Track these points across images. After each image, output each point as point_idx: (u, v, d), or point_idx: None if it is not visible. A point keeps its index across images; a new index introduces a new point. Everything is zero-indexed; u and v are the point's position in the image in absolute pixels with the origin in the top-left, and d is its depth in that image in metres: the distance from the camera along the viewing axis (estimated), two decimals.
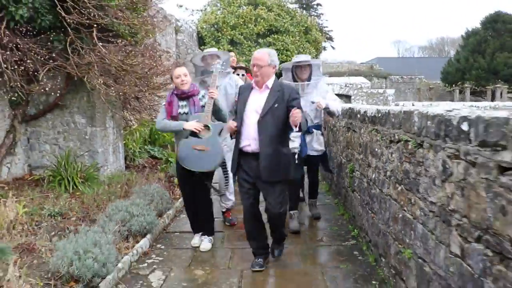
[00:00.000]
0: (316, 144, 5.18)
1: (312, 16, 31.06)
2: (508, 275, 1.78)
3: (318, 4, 36.45)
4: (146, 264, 4.05)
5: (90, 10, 5.55)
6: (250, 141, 3.83)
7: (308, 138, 5.11)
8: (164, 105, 4.45)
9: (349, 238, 4.67)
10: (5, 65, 5.38)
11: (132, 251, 4.08)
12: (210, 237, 4.66)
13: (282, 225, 4.11)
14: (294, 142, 4.43)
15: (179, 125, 4.18)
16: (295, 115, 3.49)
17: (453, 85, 28.48)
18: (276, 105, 3.77)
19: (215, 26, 18.67)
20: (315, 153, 5.19)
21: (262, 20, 18.98)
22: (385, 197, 3.59)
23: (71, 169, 6.27)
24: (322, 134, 5.34)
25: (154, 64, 6.85)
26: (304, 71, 5.04)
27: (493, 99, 25.71)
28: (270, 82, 3.89)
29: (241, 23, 18.75)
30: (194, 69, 5.47)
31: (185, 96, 4.31)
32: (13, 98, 5.87)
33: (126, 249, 4.11)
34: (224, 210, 5.49)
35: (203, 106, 4.27)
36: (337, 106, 5.06)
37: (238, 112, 4.01)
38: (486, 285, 1.94)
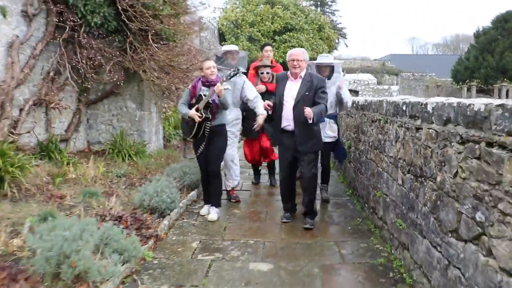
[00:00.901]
0: (329, 131, 5.82)
1: (326, 14, 32.44)
2: (418, 186, 3.35)
3: (332, 1, 37.78)
4: (196, 207, 5.68)
5: (148, 18, 7.17)
6: (289, 121, 4.88)
7: (321, 125, 5.54)
8: (189, 88, 5.28)
9: (345, 196, 6.25)
10: (83, 60, 7.03)
11: (187, 197, 5.71)
12: (217, 209, 5.34)
13: (313, 189, 5.01)
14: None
15: (186, 113, 5.05)
16: (306, 113, 4.56)
17: (460, 83, 29.71)
18: (307, 93, 4.79)
19: (235, 23, 20.22)
20: (328, 140, 5.77)
21: (278, 18, 20.49)
22: (368, 160, 5.17)
23: (125, 144, 7.91)
24: (336, 123, 6.00)
25: (192, 61, 8.44)
26: (326, 70, 5.82)
27: (499, 97, 26.89)
28: (302, 73, 4.93)
29: (259, 20, 20.29)
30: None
31: (208, 83, 5.09)
32: (84, 86, 7.51)
33: (181, 197, 5.71)
34: (229, 188, 6.21)
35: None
36: (349, 96, 5.79)
37: (277, 97, 5.04)
38: (410, 195, 3.52)
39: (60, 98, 7.32)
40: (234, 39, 19.67)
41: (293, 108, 4.81)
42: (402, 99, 3.88)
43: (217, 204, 5.35)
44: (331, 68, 5.85)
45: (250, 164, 7.27)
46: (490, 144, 2.21)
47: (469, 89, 29.15)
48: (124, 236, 3.66)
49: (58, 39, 7.08)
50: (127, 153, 7.71)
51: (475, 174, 2.36)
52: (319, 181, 5.71)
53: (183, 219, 5.19)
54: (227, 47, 6.35)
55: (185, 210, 5.47)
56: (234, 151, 6.21)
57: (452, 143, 2.67)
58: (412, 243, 3.48)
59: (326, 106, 4.95)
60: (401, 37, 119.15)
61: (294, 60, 4.88)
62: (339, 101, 5.85)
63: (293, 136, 4.86)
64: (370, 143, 5.08)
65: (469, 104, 2.42)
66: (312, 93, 4.80)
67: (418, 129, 3.37)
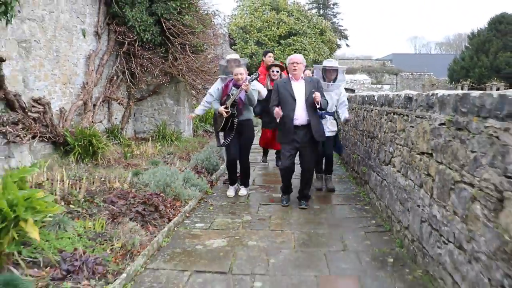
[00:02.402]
0: (331, 126, 6.54)
1: (328, 17, 34.91)
2: (371, 143, 5.84)
3: (334, 4, 40.27)
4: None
5: (187, 35, 9.69)
6: (298, 116, 5.53)
7: (323, 121, 6.28)
8: (223, 87, 6.31)
9: (342, 173, 8.64)
10: (139, 68, 9.56)
11: (224, 164, 8.21)
12: (247, 188, 6.56)
13: (310, 178, 5.83)
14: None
15: (217, 108, 6.19)
16: (316, 96, 5.30)
17: (453, 82, 32.17)
18: (313, 90, 5.46)
19: (243, 29, 22.72)
20: (329, 134, 6.48)
21: (283, 24, 23.00)
22: (350, 137, 7.65)
23: (166, 131, 10.41)
24: (335, 119, 6.71)
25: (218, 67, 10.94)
26: (332, 74, 6.52)
27: None
28: (302, 75, 5.74)
29: (266, 26, 22.79)
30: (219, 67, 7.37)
31: (238, 86, 6.06)
32: (138, 86, 10.03)
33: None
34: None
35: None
36: (346, 114, 6.40)
37: (287, 97, 5.57)
38: (368, 150, 6.01)
39: (118, 96, 9.85)
40: (244, 43, 22.17)
41: (305, 104, 5.54)
42: (367, 94, 6.36)
43: (246, 184, 6.58)
44: (336, 72, 6.56)
45: (262, 149, 9.01)
46: (394, 113, 4.69)
47: (462, 88, 31.57)
48: (196, 178, 6.17)
49: (118, 51, 9.61)
50: (170, 138, 10.21)
51: (390, 129, 4.85)
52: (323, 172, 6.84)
53: (224, 176, 7.65)
54: (230, 56, 7.23)
55: (224, 171, 7.94)
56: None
57: (383, 116, 5.16)
58: (369, 177, 5.98)
59: (326, 101, 5.69)
60: (404, 36, 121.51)
61: (293, 63, 5.65)
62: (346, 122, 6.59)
63: (305, 129, 5.55)
64: (351, 125, 7.57)
65: (388, 95, 4.92)
66: (316, 90, 5.51)
67: (371, 110, 5.86)
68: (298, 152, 5.77)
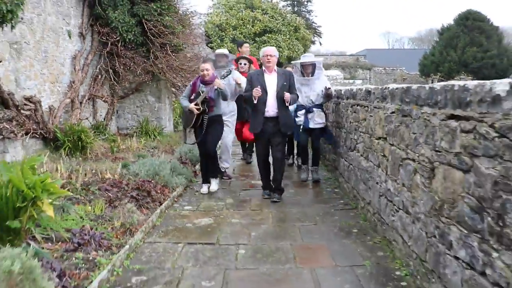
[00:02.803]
0: (318, 118, 6.75)
1: (302, 14, 35.64)
2: (337, 131, 6.52)
3: (308, 1, 41.06)
4: None
5: (167, 35, 10.21)
6: (268, 108, 5.73)
7: (310, 115, 6.74)
8: (190, 85, 6.39)
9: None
10: (122, 67, 10.05)
11: None
12: (216, 179, 6.51)
13: (281, 169, 5.96)
14: (300, 117, 6.73)
15: (187, 106, 6.17)
16: (286, 97, 5.61)
17: (425, 76, 33.36)
18: (284, 83, 5.71)
19: (219, 26, 23.22)
20: (317, 126, 6.76)
21: (258, 22, 23.56)
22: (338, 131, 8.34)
23: (148, 127, 10.92)
24: (323, 112, 6.95)
25: (198, 65, 11.50)
26: (308, 68, 6.76)
27: None
28: (275, 67, 5.90)
29: (241, 24, 23.33)
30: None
31: (205, 82, 6.14)
32: (122, 84, 10.51)
33: None
34: (222, 170, 7.31)
35: (215, 89, 6.08)
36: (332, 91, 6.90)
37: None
38: (337, 139, 6.69)
39: (103, 94, 10.33)
40: (219, 41, 22.66)
41: (277, 95, 5.75)
42: (335, 89, 7.04)
43: (214, 176, 6.53)
44: (313, 66, 6.78)
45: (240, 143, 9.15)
46: (358, 105, 5.37)
47: (432, 82, 32.75)
48: (181, 167, 6.75)
49: (102, 51, 10.08)
50: (152, 134, 10.73)
51: (354, 119, 5.53)
52: (310, 163, 7.17)
53: None
54: (219, 51, 7.59)
55: None
56: (230, 139, 7.41)
57: (348, 107, 5.85)
58: (338, 164, 6.66)
59: (297, 95, 6.08)
60: (377, 31, 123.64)
61: (267, 56, 5.81)
62: (327, 95, 6.78)
63: (274, 121, 5.76)
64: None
65: (352, 89, 5.60)
66: (288, 84, 5.80)
67: (339, 103, 6.55)
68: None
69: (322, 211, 5.41)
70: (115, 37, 10.00)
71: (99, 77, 10.19)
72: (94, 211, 4.89)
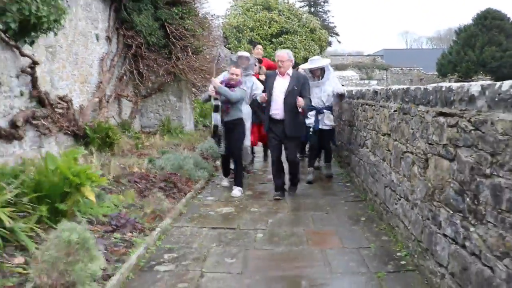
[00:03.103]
0: (327, 120, 7.03)
1: (319, 14, 36.00)
2: (349, 129, 6.98)
3: (325, 1, 41.44)
4: None
5: (188, 38, 10.78)
6: (278, 111, 5.89)
7: (320, 116, 6.96)
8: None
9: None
10: (145, 68, 10.65)
11: None
12: (240, 188, 6.47)
13: (297, 170, 6.22)
14: (310, 119, 6.83)
15: (205, 96, 6.74)
16: (299, 102, 5.60)
17: (442, 76, 33.45)
18: (295, 88, 5.78)
19: (237, 28, 23.77)
20: (326, 127, 7.03)
21: (275, 23, 24.04)
22: (341, 131, 8.81)
23: (170, 126, 11.51)
24: (332, 114, 7.20)
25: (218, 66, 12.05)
26: (317, 72, 6.95)
27: None
28: (289, 71, 5.94)
29: (258, 25, 23.84)
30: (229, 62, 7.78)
31: (230, 86, 6.33)
32: (145, 84, 11.12)
33: None
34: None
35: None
36: (342, 89, 7.31)
37: (267, 91, 5.97)
38: (350, 137, 7.15)
39: (127, 94, 10.94)
40: (237, 42, 23.22)
41: (284, 100, 5.86)
42: (346, 89, 7.50)
43: (240, 184, 6.53)
44: (321, 69, 6.96)
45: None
46: (366, 104, 5.84)
47: (449, 82, 32.85)
48: (203, 162, 7.30)
49: (127, 53, 10.70)
50: (174, 132, 11.30)
51: (363, 118, 6.00)
52: (321, 161, 7.72)
53: None
54: (240, 53, 7.68)
55: None
56: (248, 141, 7.31)
57: (358, 107, 6.31)
58: (350, 159, 7.13)
59: (310, 99, 6.18)
60: (396, 31, 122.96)
61: (279, 61, 6.03)
62: (338, 95, 7.20)
63: (281, 124, 5.92)
64: (336, 116, 8.73)
65: (361, 89, 6.06)
66: (299, 88, 5.85)
67: (350, 103, 7.01)
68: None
69: (333, 202, 5.90)
70: (139, 39, 10.59)
71: (124, 77, 10.80)
72: (126, 200, 5.44)
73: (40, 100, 7.62)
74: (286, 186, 6.40)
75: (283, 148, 6.18)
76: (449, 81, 32.83)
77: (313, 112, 6.94)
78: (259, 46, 9.27)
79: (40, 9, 4.97)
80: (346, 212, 5.45)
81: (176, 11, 10.80)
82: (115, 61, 10.50)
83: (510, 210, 2.25)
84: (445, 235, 3.13)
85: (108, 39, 10.35)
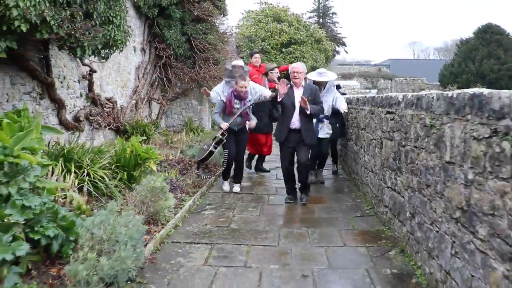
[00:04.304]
0: (327, 129, 7.66)
1: (327, 25, 38.04)
2: (356, 131, 8.97)
3: (333, 13, 43.55)
4: None
5: (211, 51, 12.84)
6: (294, 121, 6.24)
7: (320, 125, 7.52)
8: (222, 101, 6.94)
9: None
10: (173, 76, 12.72)
11: None
12: (240, 184, 7.29)
13: (306, 173, 6.46)
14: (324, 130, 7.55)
15: (220, 123, 6.86)
16: (303, 103, 5.99)
17: (443, 87, 35.35)
18: (309, 98, 6.11)
19: (249, 38, 25.84)
20: (326, 136, 7.66)
21: (284, 34, 26.09)
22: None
23: (192, 125, 13.54)
24: (331, 123, 7.71)
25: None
26: (323, 84, 7.54)
27: None
28: (303, 82, 6.42)
29: (269, 35, 25.90)
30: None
31: (240, 97, 6.85)
32: (174, 90, 13.18)
33: None
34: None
35: (250, 105, 6.91)
36: (344, 107, 7.59)
37: (288, 102, 6.21)
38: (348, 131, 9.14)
39: (158, 97, 13.01)
40: (249, 51, 25.25)
41: (300, 110, 6.23)
42: (363, 95, 9.48)
43: (239, 181, 7.33)
44: (325, 82, 7.59)
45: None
46: (353, 108, 7.82)
47: None
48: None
49: (158, 63, 12.78)
50: (195, 131, 13.33)
51: (350, 118, 7.97)
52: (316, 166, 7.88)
53: None
54: (235, 62, 8.00)
55: None
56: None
57: (358, 111, 8.30)
58: (346, 158, 9.09)
59: (323, 108, 6.59)
60: (404, 41, 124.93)
61: (295, 72, 6.31)
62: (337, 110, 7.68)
63: (298, 133, 6.25)
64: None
65: (349, 97, 8.06)
66: (312, 98, 6.20)
67: (351, 108, 9.00)
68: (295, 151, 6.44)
69: (326, 181, 7.87)
70: (169, 51, 12.67)
71: (155, 83, 12.87)
72: (170, 176, 7.44)
73: (94, 100, 9.66)
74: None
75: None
76: (449, 91, 34.67)
77: (314, 121, 7.10)
78: (257, 55, 9.57)
79: (116, 34, 7.01)
80: (335, 186, 7.45)
81: (200, 27, 12.88)
82: (148, 69, 12.58)
83: (411, 162, 4.22)
84: (387, 187, 5.11)
85: (143, 50, 12.43)
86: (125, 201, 5.38)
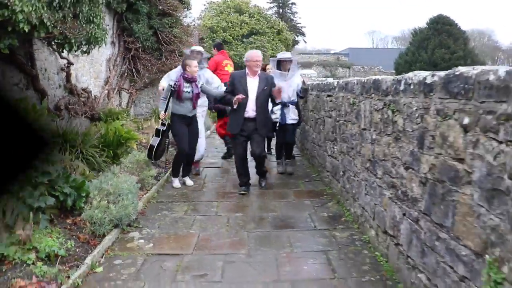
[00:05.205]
0: (293, 114, 7.59)
1: (287, 15, 39.41)
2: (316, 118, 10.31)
3: (292, 3, 44.97)
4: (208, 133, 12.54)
5: (176, 43, 13.93)
6: (248, 110, 6.18)
7: (285, 109, 7.45)
8: (170, 85, 6.48)
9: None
10: (142, 67, 13.76)
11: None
12: (190, 176, 7.08)
13: (262, 163, 6.56)
14: (276, 114, 7.48)
15: (160, 112, 7.02)
16: (277, 91, 6.15)
17: (396, 75, 37.37)
18: (265, 88, 6.20)
19: (211, 29, 26.87)
20: (292, 121, 7.59)
21: (245, 25, 27.26)
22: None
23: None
24: (297, 108, 7.74)
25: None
26: (286, 65, 7.37)
27: None
28: (258, 71, 6.35)
29: (230, 26, 27.01)
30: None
31: (191, 80, 6.38)
32: (142, 80, 14.21)
33: None
34: (195, 160, 7.34)
35: (201, 86, 6.45)
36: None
37: (242, 91, 6.08)
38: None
39: (128, 87, 14.03)
40: (211, 41, 26.30)
41: (256, 99, 6.17)
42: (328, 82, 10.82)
43: (188, 174, 7.02)
44: (291, 62, 7.39)
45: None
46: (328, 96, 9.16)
47: None
48: None
49: (127, 55, 13.77)
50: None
51: (313, 102, 9.31)
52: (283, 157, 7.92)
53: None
54: (194, 48, 8.00)
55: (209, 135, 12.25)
56: (202, 125, 7.68)
57: (318, 95, 9.63)
58: (307, 147, 10.45)
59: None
60: (363, 30, 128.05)
61: (257, 61, 6.23)
62: (304, 90, 7.82)
63: (251, 122, 6.20)
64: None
65: (323, 83, 9.40)
66: (269, 88, 6.23)
67: (311, 93, 10.34)
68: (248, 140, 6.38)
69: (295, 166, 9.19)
70: (137, 44, 13.66)
71: (125, 74, 13.86)
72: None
73: (71, 91, 10.62)
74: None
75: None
76: None
77: (279, 107, 7.32)
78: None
79: (97, 32, 8.07)
80: (301, 171, 8.76)
81: (166, 21, 13.92)
82: (118, 61, 13.54)
83: (343, 132, 5.56)
84: (328, 155, 6.47)
85: (113, 43, 13.39)
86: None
